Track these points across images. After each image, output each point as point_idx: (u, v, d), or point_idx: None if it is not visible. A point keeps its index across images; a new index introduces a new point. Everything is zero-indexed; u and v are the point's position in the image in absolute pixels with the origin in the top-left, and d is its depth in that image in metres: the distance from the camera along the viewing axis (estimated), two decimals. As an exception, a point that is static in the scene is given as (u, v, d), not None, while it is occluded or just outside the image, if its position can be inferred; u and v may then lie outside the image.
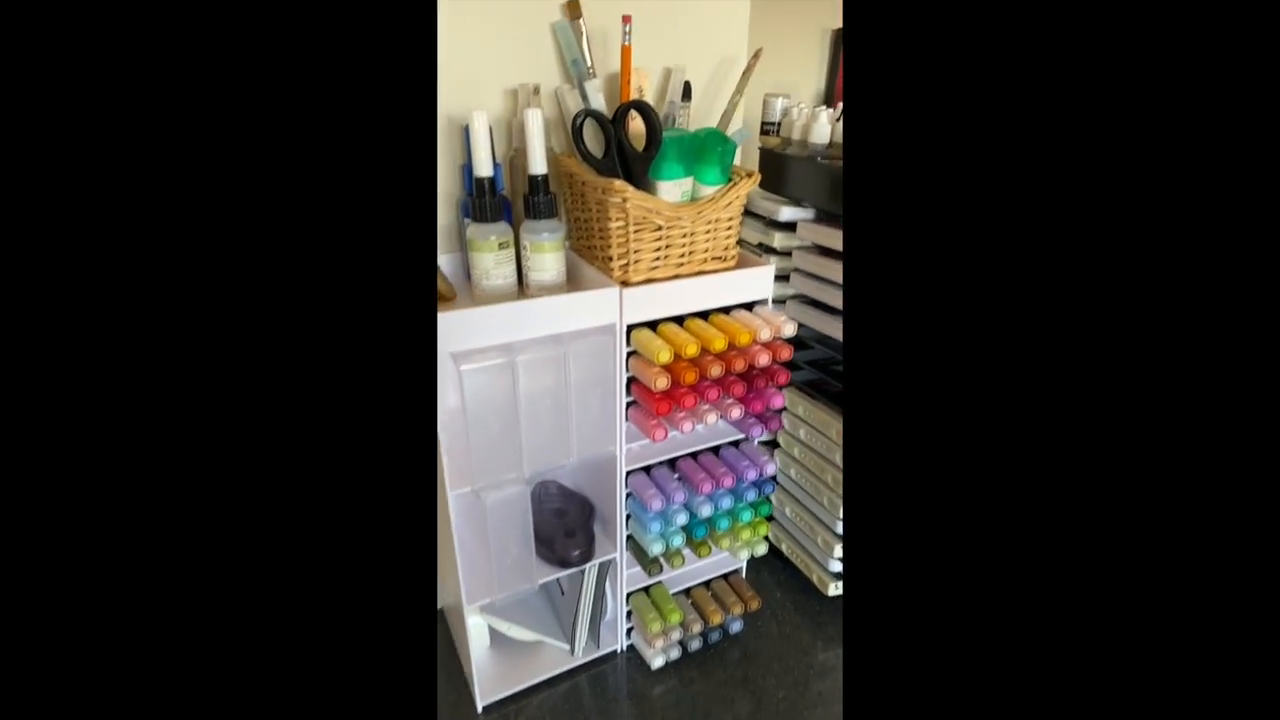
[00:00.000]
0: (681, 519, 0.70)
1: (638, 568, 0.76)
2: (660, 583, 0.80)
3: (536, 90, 0.66)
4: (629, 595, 0.78)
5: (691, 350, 0.61)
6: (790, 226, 0.81)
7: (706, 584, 0.83)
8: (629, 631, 0.80)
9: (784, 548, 0.91)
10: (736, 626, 0.81)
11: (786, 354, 0.66)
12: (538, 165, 0.60)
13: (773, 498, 0.80)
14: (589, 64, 0.66)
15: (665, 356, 0.60)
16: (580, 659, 0.78)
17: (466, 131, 0.64)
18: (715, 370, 0.63)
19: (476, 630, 0.75)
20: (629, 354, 0.65)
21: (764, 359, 0.65)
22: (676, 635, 0.77)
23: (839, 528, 0.80)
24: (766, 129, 0.85)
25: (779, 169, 0.82)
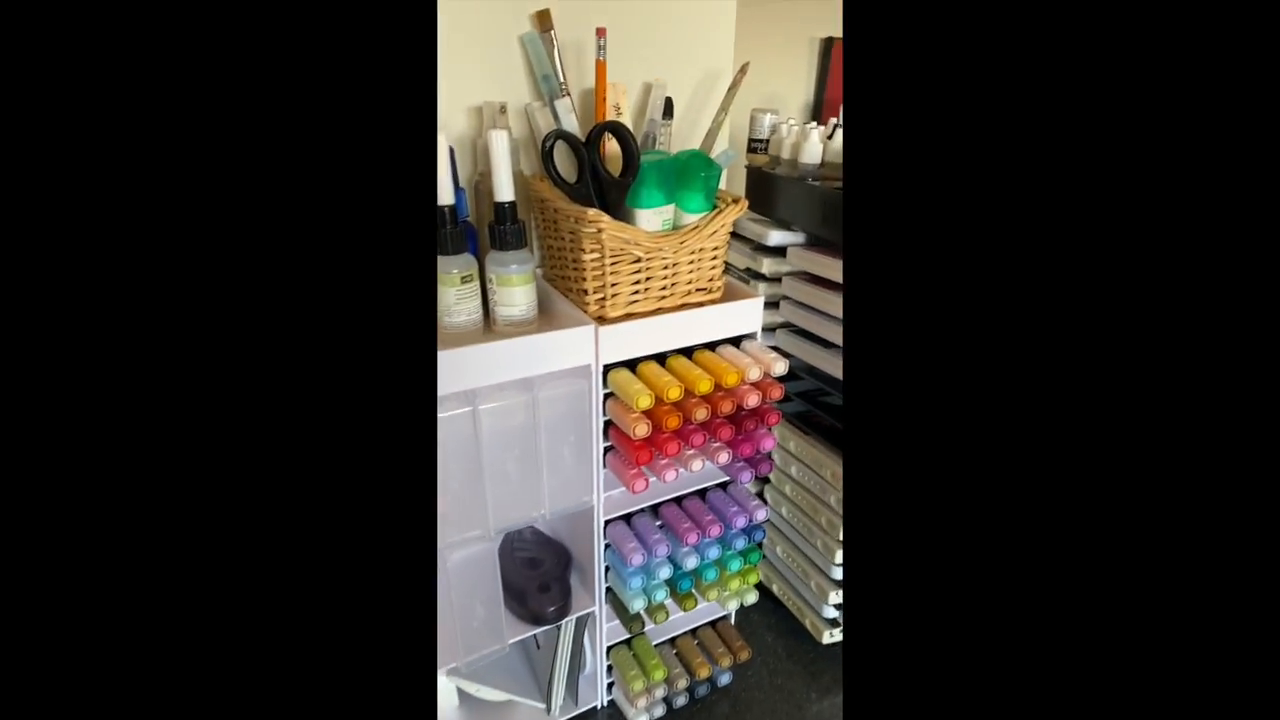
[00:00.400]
0: (665, 572, 0.65)
1: (618, 620, 0.71)
2: (643, 634, 0.74)
3: (503, 109, 0.61)
4: (609, 649, 0.73)
5: (674, 394, 0.56)
6: (780, 251, 0.76)
7: (692, 632, 0.78)
8: (609, 686, 0.74)
9: (775, 588, 0.85)
10: (725, 679, 0.76)
11: (777, 393, 0.61)
12: (504, 191, 0.54)
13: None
14: (561, 80, 0.61)
15: (645, 402, 0.55)
16: (557, 718, 0.72)
17: (426, 154, 0.59)
18: (700, 414, 0.58)
19: (443, 691, 0.69)
20: (606, 395, 0.60)
21: (753, 399, 0.60)
22: (661, 692, 0.71)
23: (835, 573, 0.75)
24: (754, 146, 0.80)
25: (768, 190, 0.77)
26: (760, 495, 0.84)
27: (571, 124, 0.60)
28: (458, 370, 0.52)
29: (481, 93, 0.61)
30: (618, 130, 0.54)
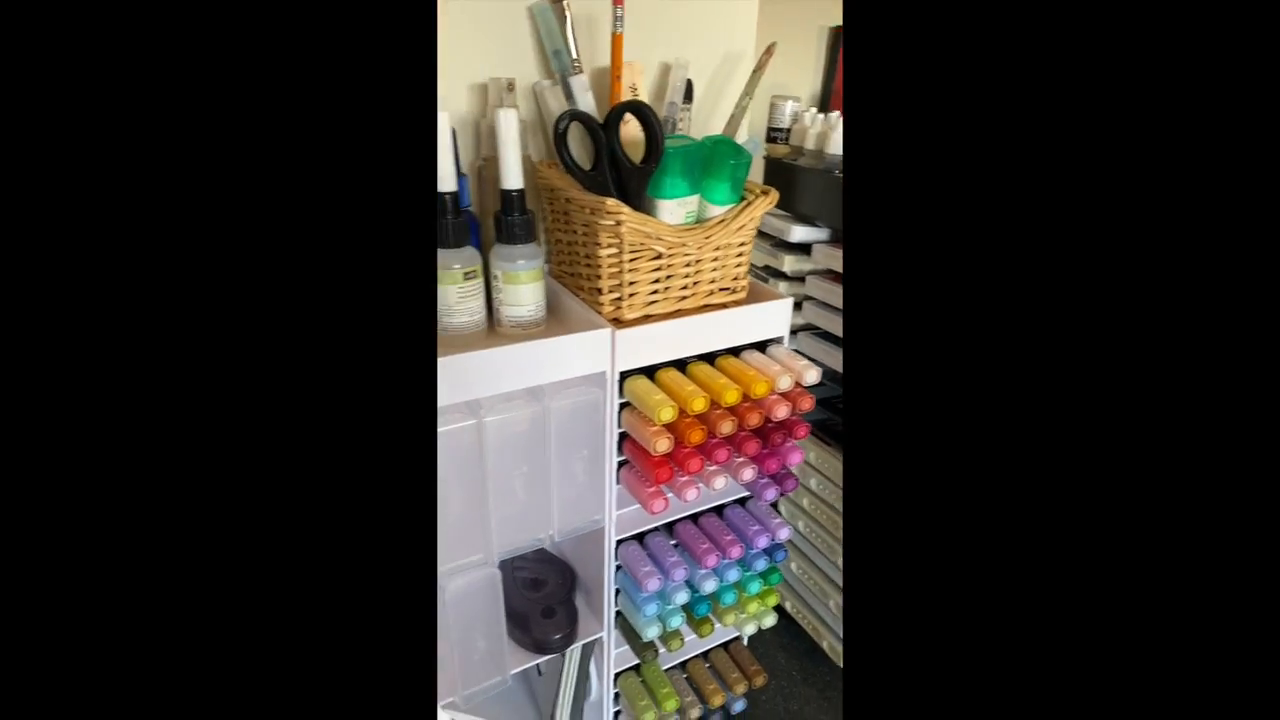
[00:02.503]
0: (682, 597, 0.60)
1: (626, 646, 0.65)
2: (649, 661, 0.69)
3: (511, 86, 0.55)
4: (616, 675, 0.67)
5: (699, 405, 0.51)
6: (803, 248, 0.71)
7: (704, 655, 0.73)
8: (616, 715, 0.69)
9: (788, 605, 0.81)
10: (739, 706, 0.71)
11: (808, 404, 0.56)
12: (512, 178, 0.48)
13: (781, 559, 0.70)
14: (574, 56, 0.55)
15: (668, 414, 0.50)
16: (560, 750, 0.66)
17: (424, 135, 0.53)
18: (726, 427, 0.52)
19: (437, 724, 0.64)
20: (621, 405, 0.54)
21: (782, 411, 0.54)
22: (672, 723, 0.66)
23: (856, 593, 0.70)
24: (773, 136, 0.75)
25: (789, 182, 0.72)
26: (775, 507, 0.79)
27: (588, 104, 0.54)
28: (460, 378, 0.46)
29: (486, 68, 0.55)
30: (640, 111, 0.49)
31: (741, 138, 0.62)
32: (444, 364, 0.45)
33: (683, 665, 0.71)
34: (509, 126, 0.47)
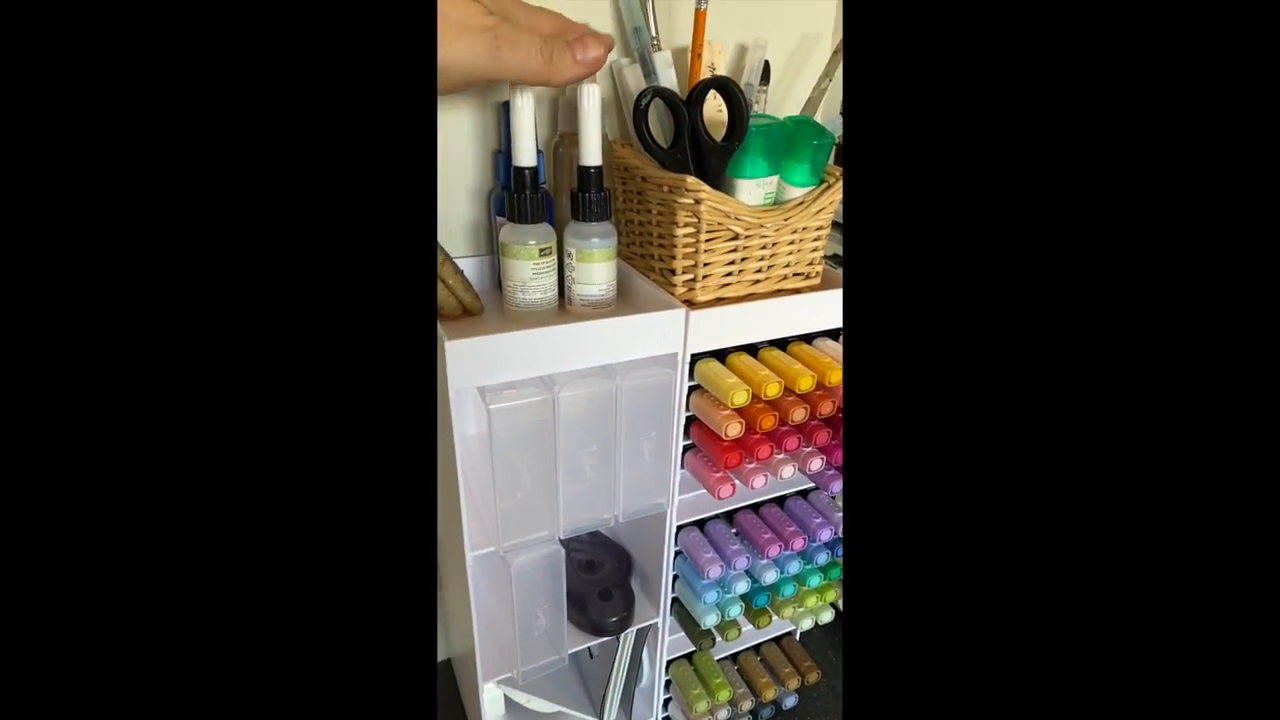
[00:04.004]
0: (742, 586, 0.59)
1: (681, 633, 0.65)
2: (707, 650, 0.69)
3: (590, 63, 0.54)
4: (669, 663, 0.67)
5: (773, 390, 0.50)
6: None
7: (756, 649, 0.72)
8: (665, 703, 0.69)
9: (840, 603, 0.79)
10: (791, 701, 0.70)
11: (881, 395, 0.54)
12: (592, 155, 0.48)
13: (840, 554, 0.68)
14: (654, 34, 0.54)
15: (741, 398, 0.49)
16: (609, 734, 0.66)
17: (504, 110, 0.53)
18: (798, 414, 0.51)
19: (491, 699, 0.64)
20: (691, 388, 0.53)
21: (854, 401, 0.53)
22: (725, 714, 0.66)
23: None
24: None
25: (862, 169, 0.70)
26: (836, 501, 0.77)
27: (670, 81, 0.53)
28: (534, 353, 0.46)
29: (564, 46, 0.55)
30: (726, 88, 0.48)
31: (820, 120, 0.60)
32: (518, 339, 0.45)
33: (733, 657, 0.71)
34: (592, 103, 0.46)
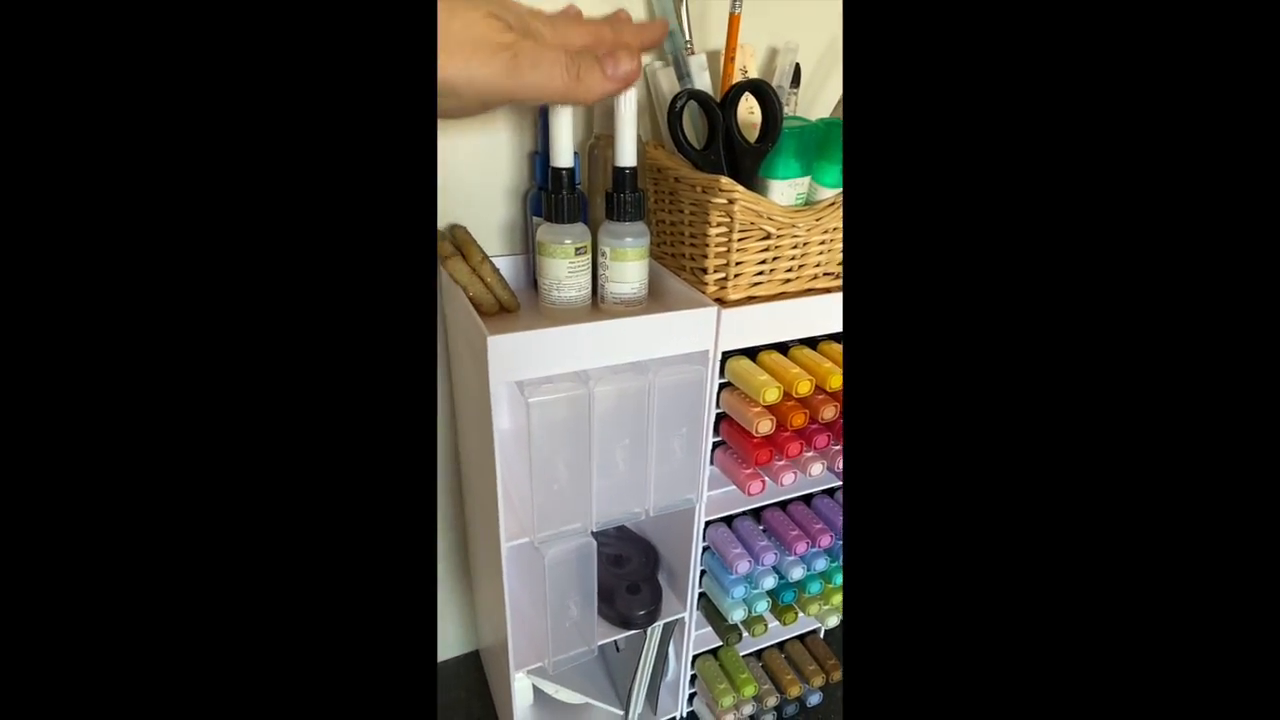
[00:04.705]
0: (769, 582, 0.59)
1: (708, 628, 0.66)
2: (732, 645, 0.69)
3: (624, 67, 0.55)
4: (695, 658, 0.68)
5: (804, 388, 0.50)
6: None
7: (781, 646, 0.72)
8: (691, 698, 0.70)
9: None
10: (815, 699, 0.71)
11: (910, 394, 0.55)
12: (627, 156, 0.49)
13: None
14: (688, 37, 0.55)
15: (773, 395, 0.50)
16: (634, 726, 0.67)
17: (541, 113, 0.54)
18: (828, 412, 0.52)
19: (521, 690, 0.65)
20: (721, 385, 0.54)
21: (884, 400, 0.53)
22: (750, 709, 0.66)
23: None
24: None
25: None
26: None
27: (704, 83, 0.54)
28: (568, 349, 0.47)
29: (599, 49, 0.56)
30: (761, 90, 0.49)
31: (848, 122, 0.61)
32: (553, 335, 0.46)
33: (758, 654, 0.71)
34: (628, 106, 0.47)
